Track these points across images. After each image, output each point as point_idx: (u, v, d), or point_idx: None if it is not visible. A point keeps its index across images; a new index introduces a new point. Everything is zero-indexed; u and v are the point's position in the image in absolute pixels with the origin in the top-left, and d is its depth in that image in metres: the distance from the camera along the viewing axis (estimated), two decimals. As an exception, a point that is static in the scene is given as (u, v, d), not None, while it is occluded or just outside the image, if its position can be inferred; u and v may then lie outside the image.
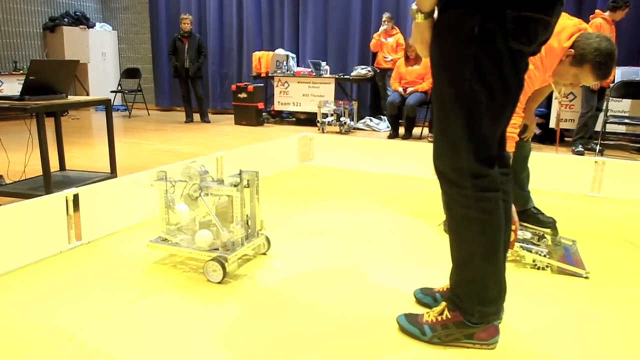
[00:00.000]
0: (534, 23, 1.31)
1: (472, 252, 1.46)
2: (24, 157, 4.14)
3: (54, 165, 3.30)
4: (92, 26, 9.60)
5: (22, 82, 2.90)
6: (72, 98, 3.24)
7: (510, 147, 2.14)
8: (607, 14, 5.08)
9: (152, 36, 9.72)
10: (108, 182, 2.58)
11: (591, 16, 5.19)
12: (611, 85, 5.26)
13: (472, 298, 1.49)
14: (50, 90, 3.02)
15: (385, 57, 6.98)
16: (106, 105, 3.35)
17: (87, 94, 9.30)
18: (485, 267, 1.46)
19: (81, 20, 9.36)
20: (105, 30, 9.94)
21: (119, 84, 9.09)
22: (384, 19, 6.95)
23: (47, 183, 2.82)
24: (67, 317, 1.71)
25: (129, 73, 9.05)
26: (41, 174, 2.85)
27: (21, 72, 8.33)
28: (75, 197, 2.36)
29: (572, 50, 2.10)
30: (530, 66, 2.10)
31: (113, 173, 3.38)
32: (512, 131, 2.15)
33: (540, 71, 2.14)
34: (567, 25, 2.13)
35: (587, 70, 2.10)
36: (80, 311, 1.76)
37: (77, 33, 9.16)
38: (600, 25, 4.98)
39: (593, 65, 2.08)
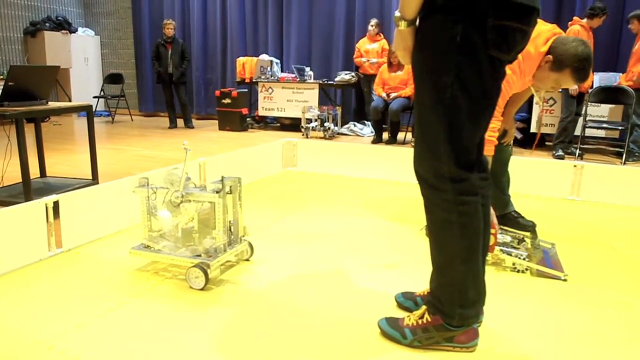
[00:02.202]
0: (513, 32, 1.35)
1: (452, 256, 1.48)
2: (2, 163, 4.08)
3: (35, 171, 3.26)
4: (74, 31, 9.51)
5: (1, 87, 2.86)
6: (52, 104, 3.21)
7: (489, 151, 2.18)
8: (584, 21, 5.18)
9: (135, 41, 9.67)
10: (89, 188, 2.55)
11: (569, 23, 5.29)
12: (590, 90, 5.36)
13: (453, 301, 1.51)
14: (30, 96, 2.99)
15: (370, 61, 7.02)
16: (87, 112, 3.32)
17: (69, 100, 9.21)
18: (465, 270, 1.48)
19: (63, 25, 9.27)
20: (88, 35, 9.86)
21: (102, 90, 9.02)
22: (372, 24, 7.00)
23: (26, 190, 2.79)
24: (46, 325, 1.69)
25: (112, 78, 8.97)
26: (21, 180, 2.81)
27: (1, 77, 8.22)
28: (56, 204, 2.34)
29: (550, 57, 2.15)
30: (508, 71, 2.14)
31: (95, 179, 3.35)
32: (491, 135, 2.18)
33: (517, 76, 2.18)
34: (542, 31, 2.18)
35: (567, 74, 2.16)
36: (60, 319, 1.74)
37: (58, 38, 9.06)
38: (578, 32, 5.08)
39: (572, 69, 2.13)
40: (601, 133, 5.85)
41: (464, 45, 1.32)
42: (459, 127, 1.40)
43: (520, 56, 2.15)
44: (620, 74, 5.66)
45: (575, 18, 5.27)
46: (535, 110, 5.94)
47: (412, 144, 6.04)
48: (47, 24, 9.06)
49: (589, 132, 5.51)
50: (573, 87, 5.19)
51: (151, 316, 1.77)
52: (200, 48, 9.02)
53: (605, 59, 6.17)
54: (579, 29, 5.09)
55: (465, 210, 1.44)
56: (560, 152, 5.36)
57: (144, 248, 2.17)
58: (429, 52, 1.39)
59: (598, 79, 5.76)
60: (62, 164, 4.66)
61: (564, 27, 4.88)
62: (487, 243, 1.61)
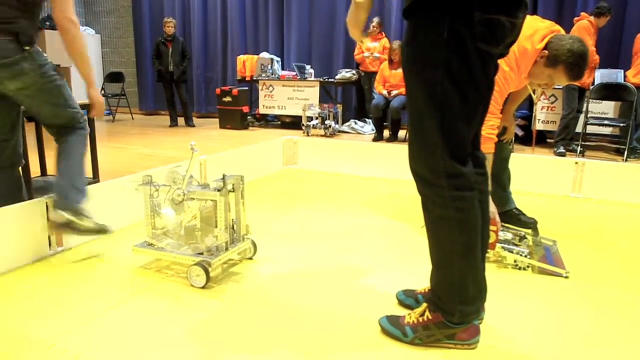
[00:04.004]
0: (501, 25, 1.35)
1: (451, 252, 1.48)
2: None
3: (35, 170, 3.27)
4: (74, 30, 9.50)
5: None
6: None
7: (490, 149, 2.18)
8: (591, 19, 5.17)
9: (136, 40, 9.67)
10: (90, 187, 2.54)
11: (575, 19, 5.27)
12: (591, 87, 5.35)
13: (453, 298, 1.51)
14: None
15: (373, 55, 7.00)
16: (88, 110, 3.31)
17: (70, 98, 9.20)
18: (464, 267, 1.48)
19: (63, 24, 9.26)
20: (88, 34, 9.85)
21: (102, 88, 9.01)
22: (373, 24, 6.99)
23: (27, 188, 2.78)
24: (48, 324, 1.69)
25: (113, 77, 8.98)
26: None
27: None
28: (57, 203, 2.33)
29: (546, 52, 2.15)
30: (506, 68, 2.14)
31: (95, 178, 3.35)
32: (491, 132, 2.18)
33: (515, 73, 2.18)
34: (539, 28, 2.18)
35: (560, 71, 2.15)
36: (61, 317, 1.74)
37: (58, 37, 9.05)
38: (586, 27, 5.06)
39: (566, 66, 2.13)
40: (603, 130, 5.83)
41: (452, 40, 1.32)
42: (452, 123, 1.40)
43: (517, 53, 2.14)
44: (622, 71, 5.65)
45: (582, 14, 5.26)
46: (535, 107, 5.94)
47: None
48: (47, 23, 9.04)
49: (590, 129, 5.50)
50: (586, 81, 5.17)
51: (151, 314, 1.77)
52: (200, 46, 9.02)
53: (606, 56, 6.15)
54: (587, 24, 5.08)
55: (462, 206, 1.44)
56: (561, 149, 5.35)
57: (147, 246, 2.17)
58: (417, 49, 1.39)
59: (599, 75, 5.75)
60: (63, 163, 4.65)
61: (566, 25, 4.87)
62: (486, 239, 1.61)
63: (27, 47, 2.04)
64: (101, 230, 2.26)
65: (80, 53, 2.27)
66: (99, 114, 2.43)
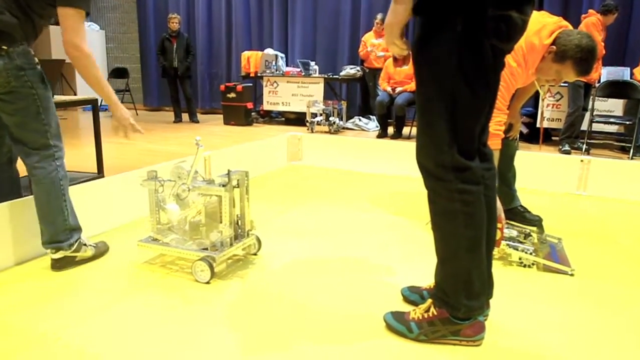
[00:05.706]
0: (513, 21, 1.36)
1: (456, 246, 1.48)
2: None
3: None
4: (79, 25, 9.50)
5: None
6: (58, 98, 3.21)
7: (497, 145, 2.17)
8: (599, 16, 5.15)
9: (140, 36, 9.67)
10: (94, 182, 2.56)
11: (583, 16, 5.25)
12: (597, 84, 5.32)
13: (458, 292, 1.50)
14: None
15: (378, 54, 6.99)
16: (93, 105, 3.33)
17: (75, 94, 9.22)
18: (470, 260, 1.48)
19: (68, 20, 9.27)
20: (93, 30, 9.86)
21: (107, 84, 9.02)
22: (377, 21, 6.97)
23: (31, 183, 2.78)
24: (52, 318, 1.70)
25: (117, 73, 8.98)
26: (26, 174, 2.82)
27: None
28: (62, 198, 2.34)
29: (554, 47, 2.13)
30: (513, 64, 2.13)
31: (100, 173, 3.36)
32: (498, 129, 2.17)
33: (523, 69, 2.16)
34: (547, 23, 2.16)
35: (568, 66, 2.14)
36: (66, 311, 1.74)
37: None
38: (594, 23, 5.05)
39: (574, 61, 2.11)
40: (608, 128, 5.80)
41: (465, 35, 1.32)
42: (461, 117, 1.40)
43: (525, 48, 2.13)
44: (629, 68, 5.61)
45: (590, 11, 5.24)
46: (540, 105, 5.91)
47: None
48: (52, 19, 9.07)
49: (596, 126, 5.47)
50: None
51: (155, 308, 1.77)
52: (205, 42, 9.01)
53: (612, 53, 6.12)
54: (595, 20, 5.07)
55: (468, 200, 1.44)
56: (566, 147, 5.33)
57: (151, 241, 2.17)
58: (430, 43, 1.38)
59: (606, 72, 5.71)
60: (67, 158, 4.65)
61: (573, 21, 4.85)
62: (493, 234, 1.60)
63: (4, 46, 1.79)
64: (98, 255, 2.21)
65: (95, 80, 2.01)
66: (130, 130, 2.26)
